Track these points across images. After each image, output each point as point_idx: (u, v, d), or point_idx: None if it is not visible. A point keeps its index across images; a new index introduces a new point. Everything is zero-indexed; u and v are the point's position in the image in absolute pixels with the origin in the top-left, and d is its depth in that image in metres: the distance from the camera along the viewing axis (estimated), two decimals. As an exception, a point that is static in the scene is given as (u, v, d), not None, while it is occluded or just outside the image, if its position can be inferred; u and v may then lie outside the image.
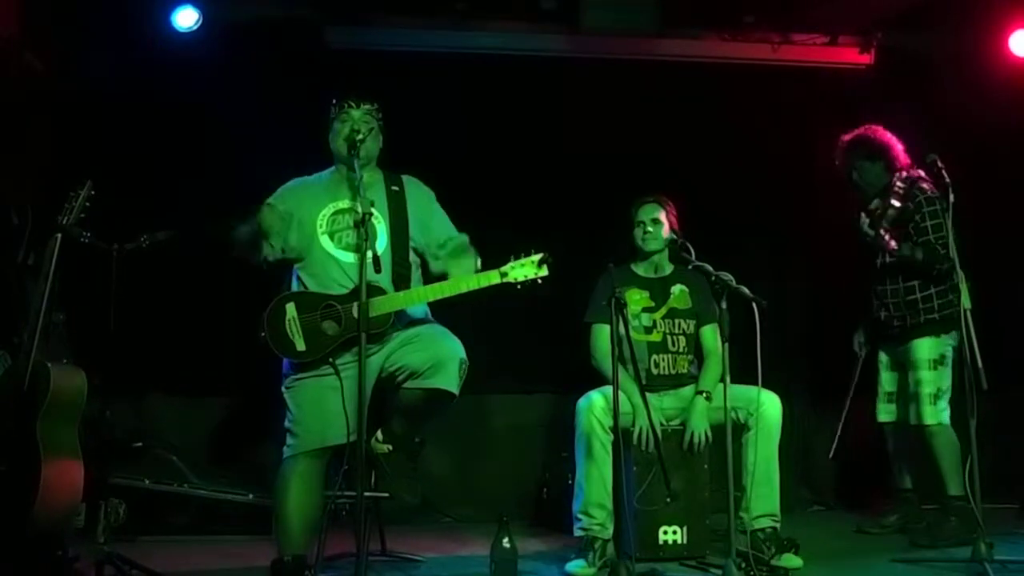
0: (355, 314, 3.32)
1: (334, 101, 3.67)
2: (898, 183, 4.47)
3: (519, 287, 3.47)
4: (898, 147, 4.57)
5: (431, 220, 3.72)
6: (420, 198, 3.74)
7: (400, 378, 3.47)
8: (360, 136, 3.52)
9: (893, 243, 4.38)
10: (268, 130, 4.91)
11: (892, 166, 4.55)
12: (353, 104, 3.64)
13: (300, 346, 3.44)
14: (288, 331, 3.45)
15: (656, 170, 5.18)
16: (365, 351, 3.23)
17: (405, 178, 3.76)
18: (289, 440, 3.50)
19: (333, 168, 3.74)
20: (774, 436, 4.02)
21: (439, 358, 3.41)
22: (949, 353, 4.46)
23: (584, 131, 5.37)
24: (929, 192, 4.43)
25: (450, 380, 3.40)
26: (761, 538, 3.91)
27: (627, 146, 5.37)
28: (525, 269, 3.46)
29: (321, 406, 3.45)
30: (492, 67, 5.37)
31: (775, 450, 4.03)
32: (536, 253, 3.47)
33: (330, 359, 3.44)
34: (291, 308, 3.47)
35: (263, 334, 3.46)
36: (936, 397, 4.42)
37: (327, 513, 3.91)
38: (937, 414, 4.41)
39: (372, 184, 3.62)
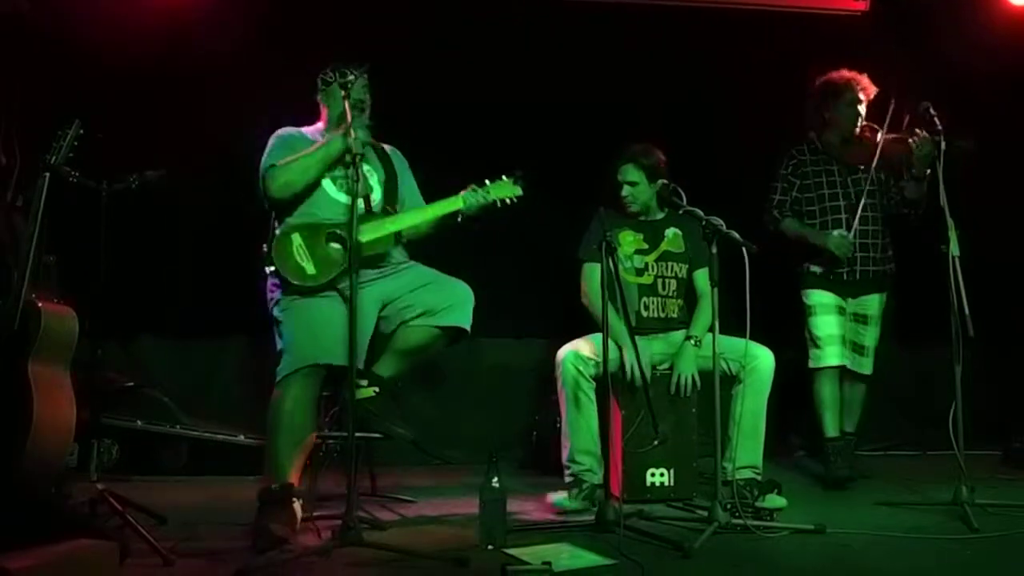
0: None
1: (333, 69, 3.77)
2: None
3: (499, 205, 3.78)
4: None
5: (407, 187, 3.95)
6: (400, 162, 3.96)
7: (410, 316, 3.68)
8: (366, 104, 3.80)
9: None
10: (258, 70, 4.86)
11: None
12: (354, 74, 3.71)
13: (311, 270, 3.57)
14: (297, 256, 3.57)
15: (649, 115, 5.17)
16: (365, 276, 3.52)
17: (386, 146, 3.96)
18: (282, 361, 3.55)
19: (323, 128, 3.85)
20: (764, 390, 4.07)
21: (457, 297, 3.71)
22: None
23: (576, 75, 5.33)
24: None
25: (466, 318, 3.71)
26: (742, 485, 3.97)
27: (620, 91, 5.33)
28: (502, 190, 3.80)
29: (316, 325, 3.53)
30: (482, 7, 5.30)
31: (764, 404, 4.08)
32: (510, 176, 3.80)
33: (336, 285, 3.54)
34: (297, 236, 3.60)
35: (271, 268, 3.57)
36: None
37: (319, 453, 3.97)
38: None
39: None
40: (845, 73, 4.60)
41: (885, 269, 4.65)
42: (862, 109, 4.57)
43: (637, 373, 4.00)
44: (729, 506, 3.57)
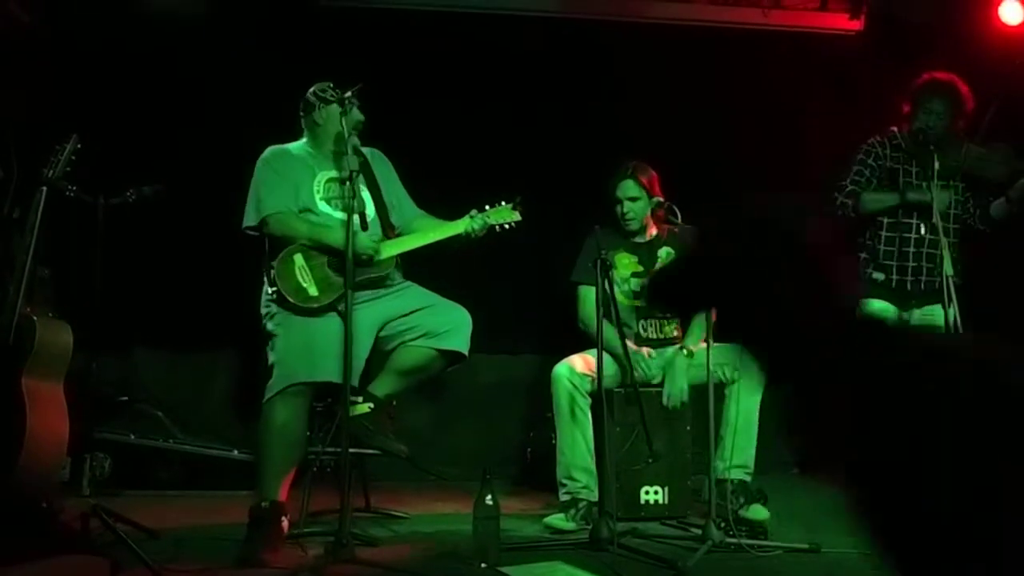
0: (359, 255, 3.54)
1: (325, 90, 3.77)
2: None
3: (498, 229, 3.81)
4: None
5: (394, 189, 3.94)
6: (383, 168, 3.93)
7: (410, 337, 3.69)
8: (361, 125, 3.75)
9: None
10: (257, 85, 4.87)
11: None
12: (352, 92, 3.71)
13: (313, 291, 3.57)
14: (300, 278, 3.58)
15: (644, 134, 5.17)
16: (365, 296, 3.58)
17: (368, 150, 3.88)
18: (274, 375, 3.55)
19: (305, 142, 3.84)
20: (757, 390, 4.05)
21: (456, 322, 3.74)
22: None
23: (572, 93, 5.35)
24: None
25: (465, 343, 3.74)
26: (730, 488, 3.96)
27: (615, 110, 5.35)
28: (501, 215, 3.82)
29: (310, 342, 3.53)
30: (481, 26, 5.33)
31: (757, 405, 4.06)
32: (508, 202, 3.83)
33: (338, 307, 3.53)
34: (299, 258, 3.60)
35: (274, 288, 3.55)
36: None
37: (312, 469, 3.96)
38: None
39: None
40: (942, 77, 4.24)
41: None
42: (941, 121, 4.20)
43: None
44: (723, 525, 3.56)
